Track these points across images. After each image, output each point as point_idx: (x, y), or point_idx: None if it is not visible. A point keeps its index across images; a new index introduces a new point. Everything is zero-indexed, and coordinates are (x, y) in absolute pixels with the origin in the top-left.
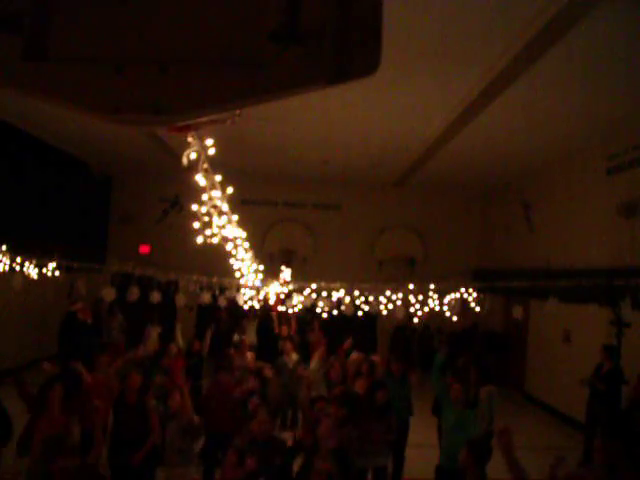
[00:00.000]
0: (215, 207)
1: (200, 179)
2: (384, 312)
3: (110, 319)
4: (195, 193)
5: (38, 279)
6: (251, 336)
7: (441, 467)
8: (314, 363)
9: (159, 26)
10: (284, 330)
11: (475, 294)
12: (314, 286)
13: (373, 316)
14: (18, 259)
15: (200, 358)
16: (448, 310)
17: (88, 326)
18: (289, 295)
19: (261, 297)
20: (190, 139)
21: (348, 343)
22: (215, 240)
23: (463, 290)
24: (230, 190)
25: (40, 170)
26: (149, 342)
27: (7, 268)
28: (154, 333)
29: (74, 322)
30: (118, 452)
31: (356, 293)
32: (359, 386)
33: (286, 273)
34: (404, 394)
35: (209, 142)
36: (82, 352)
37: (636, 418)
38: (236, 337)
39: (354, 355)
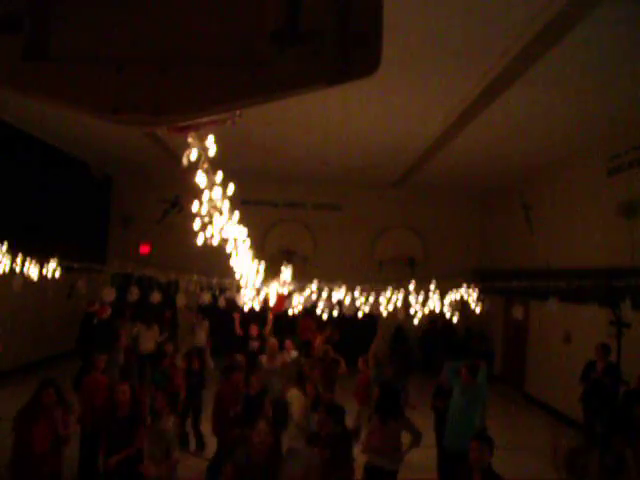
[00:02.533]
0: (215, 207)
1: (200, 179)
2: (384, 312)
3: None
4: (195, 193)
5: (38, 279)
6: (201, 338)
7: (445, 449)
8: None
9: (159, 26)
10: (254, 330)
11: (475, 294)
12: (314, 286)
13: (374, 316)
14: (18, 259)
15: (201, 377)
16: (448, 310)
17: (106, 326)
18: (289, 295)
19: (261, 297)
20: (190, 139)
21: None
22: (215, 240)
23: (463, 290)
24: (230, 190)
25: (40, 170)
26: (144, 341)
27: (7, 268)
28: (149, 333)
29: (92, 322)
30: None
31: (356, 293)
32: None
33: (286, 273)
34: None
35: (209, 142)
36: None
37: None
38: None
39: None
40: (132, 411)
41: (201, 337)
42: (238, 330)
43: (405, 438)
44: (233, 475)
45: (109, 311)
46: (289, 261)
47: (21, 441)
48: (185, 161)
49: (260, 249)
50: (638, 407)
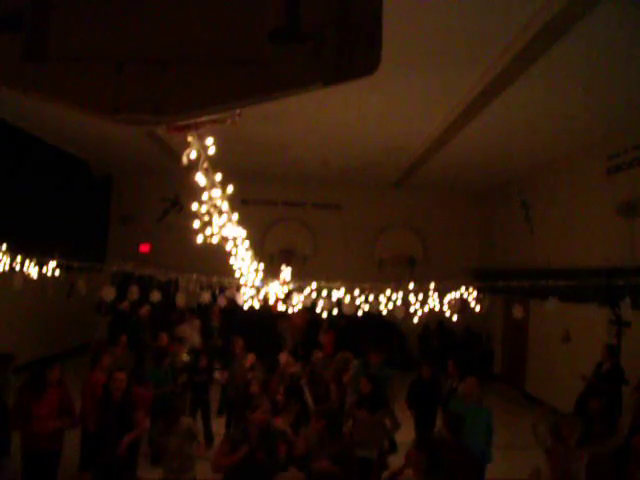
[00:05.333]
0: (215, 207)
1: (200, 179)
2: (384, 312)
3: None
4: (195, 192)
5: (38, 279)
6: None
7: None
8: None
9: (159, 26)
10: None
11: (475, 294)
12: (314, 286)
13: (373, 315)
14: (18, 258)
15: (209, 375)
16: (448, 310)
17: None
18: (289, 295)
19: (261, 297)
20: (190, 138)
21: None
22: (215, 240)
23: (463, 290)
24: (230, 190)
25: (40, 169)
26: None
27: (7, 267)
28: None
29: (124, 319)
30: (101, 450)
31: (356, 293)
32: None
33: (286, 273)
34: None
35: (209, 141)
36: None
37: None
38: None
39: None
40: (125, 399)
41: (193, 337)
42: None
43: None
44: (228, 450)
45: (148, 308)
46: (289, 260)
47: (22, 417)
48: (185, 160)
49: (260, 248)
50: (592, 401)
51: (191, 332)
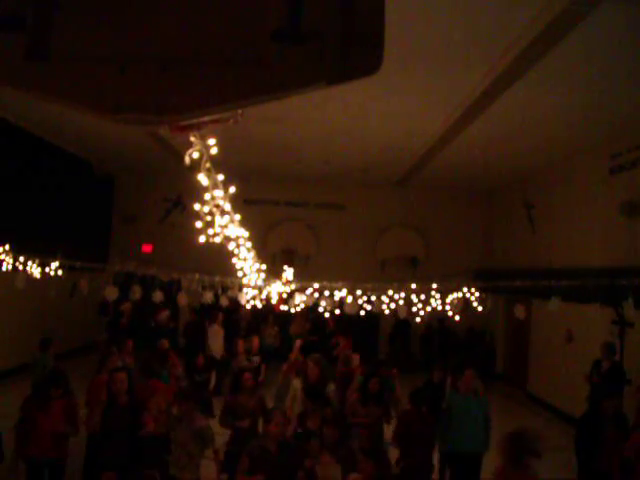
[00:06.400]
0: (217, 206)
1: (202, 178)
2: (386, 312)
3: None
4: (197, 192)
5: (41, 278)
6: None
7: (451, 452)
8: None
9: (161, 25)
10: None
11: (477, 294)
12: (316, 285)
13: (375, 316)
14: (21, 258)
15: (208, 375)
16: (450, 310)
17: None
18: (291, 294)
19: (263, 296)
20: (192, 138)
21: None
22: (217, 239)
23: (465, 290)
24: (232, 189)
25: (43, 169)
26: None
27: (10, 267)
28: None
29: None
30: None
31: (358, 293)
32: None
33: (288, 272)
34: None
35: (211, 141)
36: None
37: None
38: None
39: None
40: (131, 400)
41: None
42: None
43: None
44: (248, 466)
45: (167, 313)
46: (291, 260)
47: (25, 430)
48: (187, 160)
49: (262, 248)
50: (607, 402)
51: (220, 335)
